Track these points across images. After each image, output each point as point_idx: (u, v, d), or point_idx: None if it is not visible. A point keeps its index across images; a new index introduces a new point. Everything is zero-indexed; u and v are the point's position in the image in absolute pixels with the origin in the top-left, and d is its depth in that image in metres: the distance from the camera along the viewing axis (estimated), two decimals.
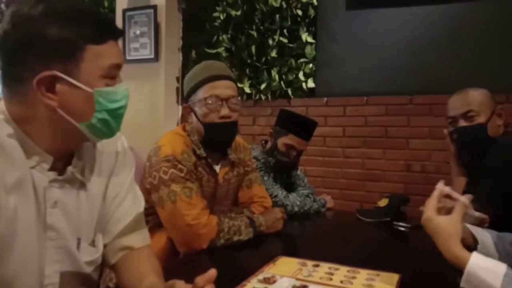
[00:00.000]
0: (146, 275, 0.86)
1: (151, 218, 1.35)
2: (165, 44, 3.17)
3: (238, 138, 1.49)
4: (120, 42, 0.80)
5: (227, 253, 1.22)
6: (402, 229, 1.60)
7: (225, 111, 1.31)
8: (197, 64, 1.41)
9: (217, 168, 1.39)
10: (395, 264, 1.14)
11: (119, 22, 3.16)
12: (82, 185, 0.83)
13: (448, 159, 2.49)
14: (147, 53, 3.19)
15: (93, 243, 0.85)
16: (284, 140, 1.81)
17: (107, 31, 0.77)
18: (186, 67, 3.26)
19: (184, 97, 1.40)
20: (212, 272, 0.67)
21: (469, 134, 1.53)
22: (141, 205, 0.94)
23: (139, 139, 1.74)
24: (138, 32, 3.22)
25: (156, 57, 3.17)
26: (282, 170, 1.88)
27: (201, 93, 1.32)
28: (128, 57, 3.20)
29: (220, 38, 3.11)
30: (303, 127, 1.84)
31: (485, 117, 1.51)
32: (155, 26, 3.15)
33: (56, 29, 0.70)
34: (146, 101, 3.21)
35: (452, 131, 1.60)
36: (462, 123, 1.54)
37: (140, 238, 0.91)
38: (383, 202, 1.77)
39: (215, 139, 1.35)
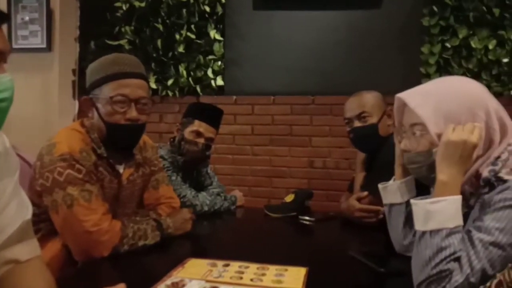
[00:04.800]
0: None
1: (43, 225, 1.22)
2: (60, 33, 2.89)
3: (144, 137, 1.40)
4: (4, 28, 0.69)
5: (131, 259, 1.14)
6: (307, 223, 1.67)
7: (132, 113, 1.20)
8: (96, 56, 1.29)
9: (120, 168, 1.29)
10: (302, 257, 1.18)
11: (3, 6, 2.80)
12: None
13: (346, 155, 2.70)
14: (38, 42, 2.88)
15: None
16: (191, 128, 1.77)
17: None
18: (84, 58, 3.01)
19: (87, 88, 1.25)
20: (121, 287, 0.61)
21: (362, 134, 1.67)
22: (28, 213, 0.82)
23: (28, 138, 1.56)
24: (27, 18, 2.89)
25: (49, 47, 2.88)
26: (192, 163, 1.83)
27: (107, 90, 1.19)
28: (15, 46, 2.85)
29: (123, 29, 2.93)
30: (208, 113, 1.82)
31: (377, 117, 1.66)
32: (47, 12, 2.85)
33: None
34: (36, 95, 2.89)
35: (349, 131, 1.72)
36: (357, 123, 1.67)
37: (28, 250, 0.80)
38: (289, 198, 1.83)
39: (118, 141, 1.24)
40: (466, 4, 2.55)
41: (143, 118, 1.24)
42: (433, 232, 0.84)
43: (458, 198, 0.85)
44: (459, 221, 0.84)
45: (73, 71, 3.03)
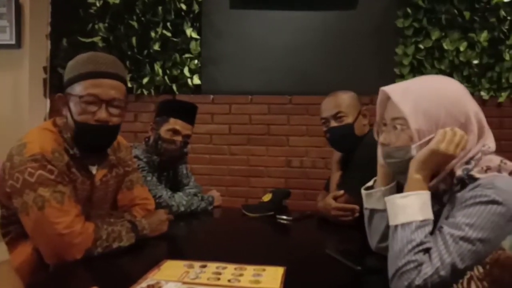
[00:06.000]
0: None
1: (13, 228, 1.18)
2: (30, 29, 2.80)
3: (117, 137, 1.36)
4: None
5: (105, 261, 1.12)
6: (284, 222, 1.68)
7: (102, 114, 1.15)
8: (68, 53, 1.25)
9: (93, 169, 1.26)
10: (279, 257, 1.18)
11: None
12: None
13: (322, 154, 2.72)
14: (7, 38, 2.78)
15: None
16: (167, 127, 1.74)
17: None
18: (55, 56, 2.92)
19: (63, 85, 1.21)
20: None
21: (338, 133, 1.68)
22: None
23: None
24: None
25: (19, 44, 2.78)
26: (171, 162, 1.80)
27: (79, 88, 1.15)
28: None
29: (96, 26, 2.86)
30: (183, 110, 1.79)
31: (352, 117, 1.68)
32: (16, 7, 2.75)
33: None
34: (5, 94, 2.79)
35: (325, 131, 1.73)
36: (333, 123, 1.69)
37: None
38: (267, 197, 1.84)
39: (87, 142, 1.20)
40: (438, 6, 2.62)
41: (115, 120, 1.19)
42: (404, 226, 0.88)
43: (427, 193, 0.90)
44: (428, 215, 0.88)
45: (44, 68, 2.94)
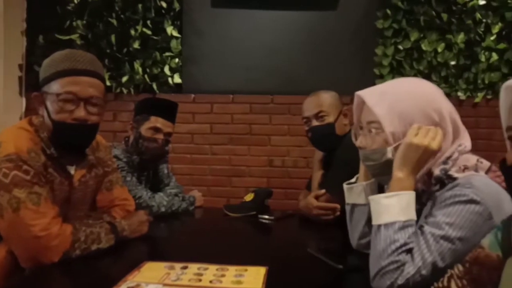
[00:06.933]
0: None
1: None
2: (4, 26, 2.72)
3: (97, 136, 1.33)
4: None
5: (84, 264, 1.09)
6: (266, 221, 1.68)
7: (80, 112, 1.13)
8: (45, 51, 1.21)
9: (71, 169, 1.22)
10: (261, 257, 1.18)
11: None
12: None
13: (304, 154, 2.74)
14: None
15: None
16: (148, 125, 1.72)
17: None
18: (31, 53, 2.85)
19: (39, 83, 1.18)
20: None
21: (320, 133, 1.70)
22: None
23: None
24: None
25: None
26: (152, 161, 1.78)
27: (56, 87, 1.12)
28: None
29: (74, 23, 2.80)
30: (163, 108, 1.77)
31: (333, 117, 1.70)
32: None
33: None
34: None
35: (307, 130, 1.74)
36: (315, 122, 1.70)
37: None
38: (249, 197, 1.83)
39: (65, 141, 1.17)
40: (417, 8, 2.67)
41: (94, 119, 1.17)
42: (387, 225, 0.87)
43: (411, 193, 0.89)
44: (412, 216, 0.88)
45: (20, 66, 2.86)
